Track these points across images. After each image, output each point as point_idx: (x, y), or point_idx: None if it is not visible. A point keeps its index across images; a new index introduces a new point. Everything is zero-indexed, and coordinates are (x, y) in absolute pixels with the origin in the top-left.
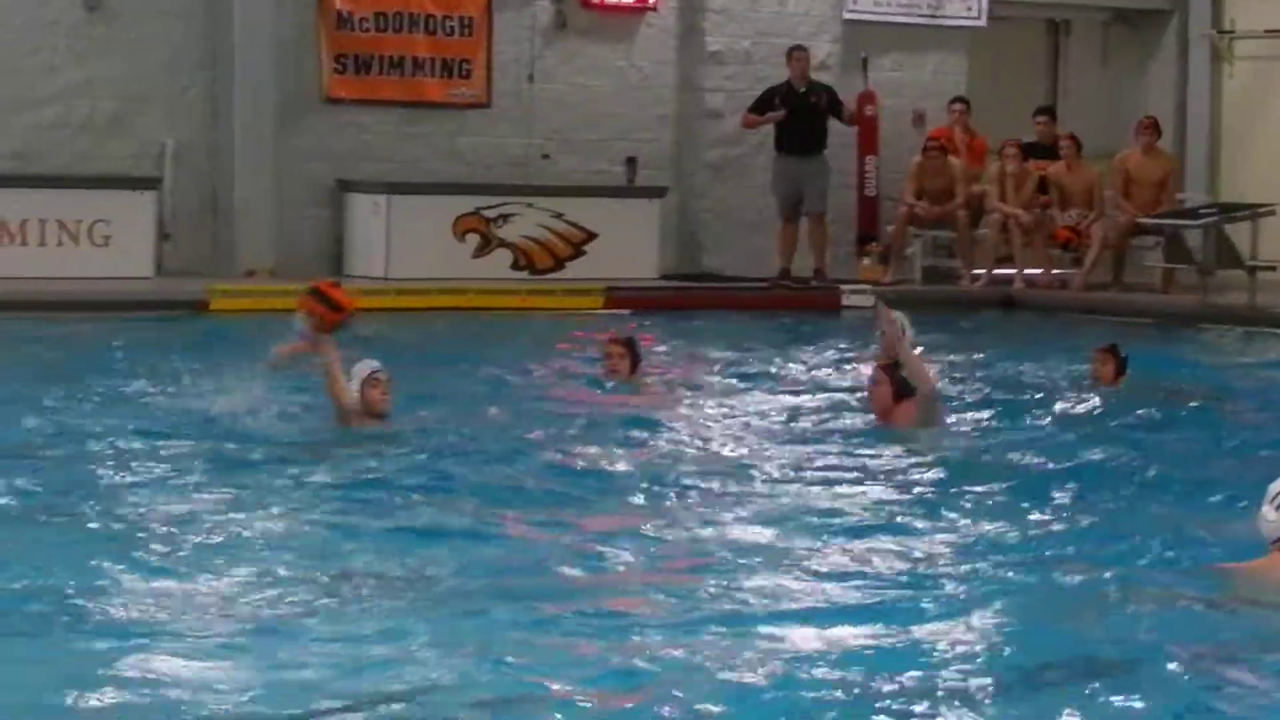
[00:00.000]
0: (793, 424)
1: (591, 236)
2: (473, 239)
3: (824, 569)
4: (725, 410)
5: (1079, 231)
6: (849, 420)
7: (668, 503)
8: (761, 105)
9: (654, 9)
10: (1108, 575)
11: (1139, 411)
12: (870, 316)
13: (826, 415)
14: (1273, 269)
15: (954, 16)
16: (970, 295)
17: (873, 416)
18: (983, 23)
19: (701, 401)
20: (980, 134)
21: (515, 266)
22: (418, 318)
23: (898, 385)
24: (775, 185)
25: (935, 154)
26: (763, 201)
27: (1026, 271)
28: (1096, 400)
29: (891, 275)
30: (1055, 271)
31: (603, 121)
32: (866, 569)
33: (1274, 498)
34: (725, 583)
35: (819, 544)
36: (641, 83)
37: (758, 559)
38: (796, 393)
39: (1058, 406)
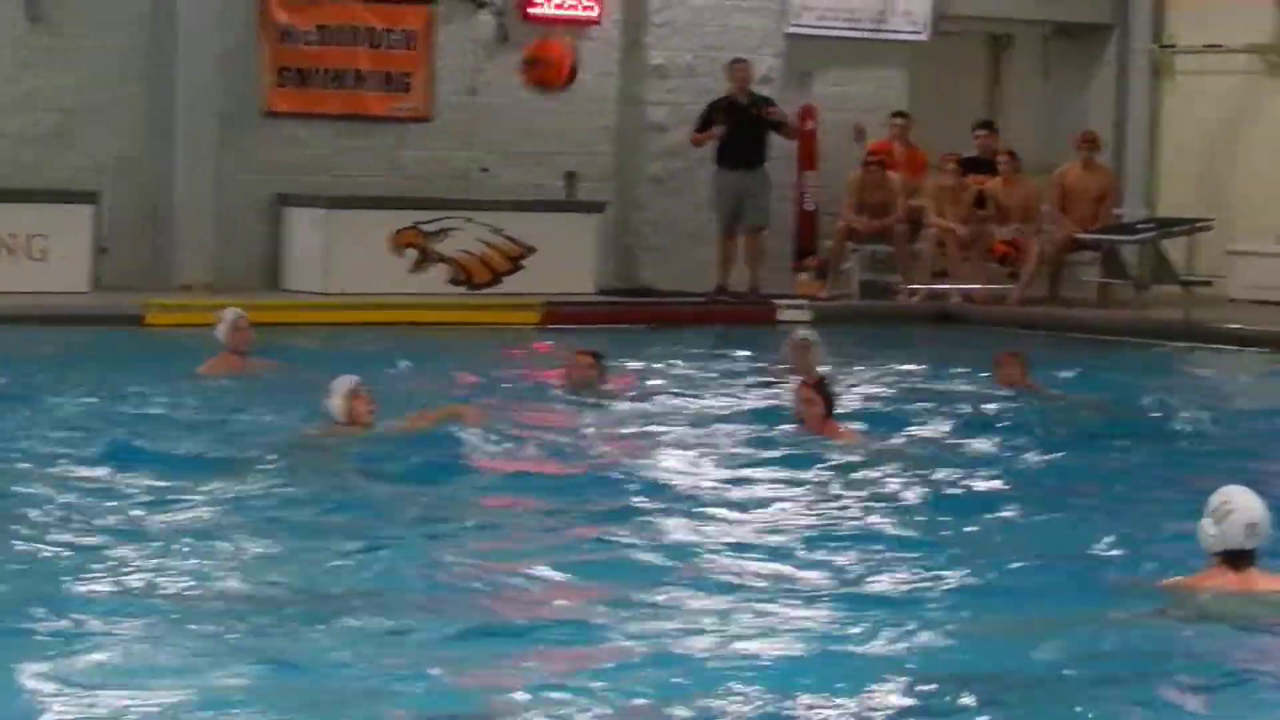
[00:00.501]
0: (731, 437)
1: (530, 251)
2: (411, 253)
3: (760, 583)
4: (670, 425)
5: (1017, 246)
6: (783, 434)
7: (632, 517)
8: (705, 121)
9: (597, 22)
10: (1046, 590)
11: (1074, 427)
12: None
13: (760, 429)
14: (1208, 284)
15: (896, 30)
16: (907, 310)
17: (804, 430)
18: (925, 37)
19: (651, 414)
20: (921, 148)
21: (453, 281)
22: (355, 332)
23: (829, 401)
24: (716, 199)
25: (874, 168)
26: (704, 215)
27: (964, 286)
28: (1032, 415)
29: (829, 290)
30: (992, 286)
31: (544, 135)
32: (804, 584)
33: (1213, 511)
34: (672, 600)
35: (755, 558)
36: (584, 96)
37: (704, 572)
38: (734, 407)
39: (993, 421)
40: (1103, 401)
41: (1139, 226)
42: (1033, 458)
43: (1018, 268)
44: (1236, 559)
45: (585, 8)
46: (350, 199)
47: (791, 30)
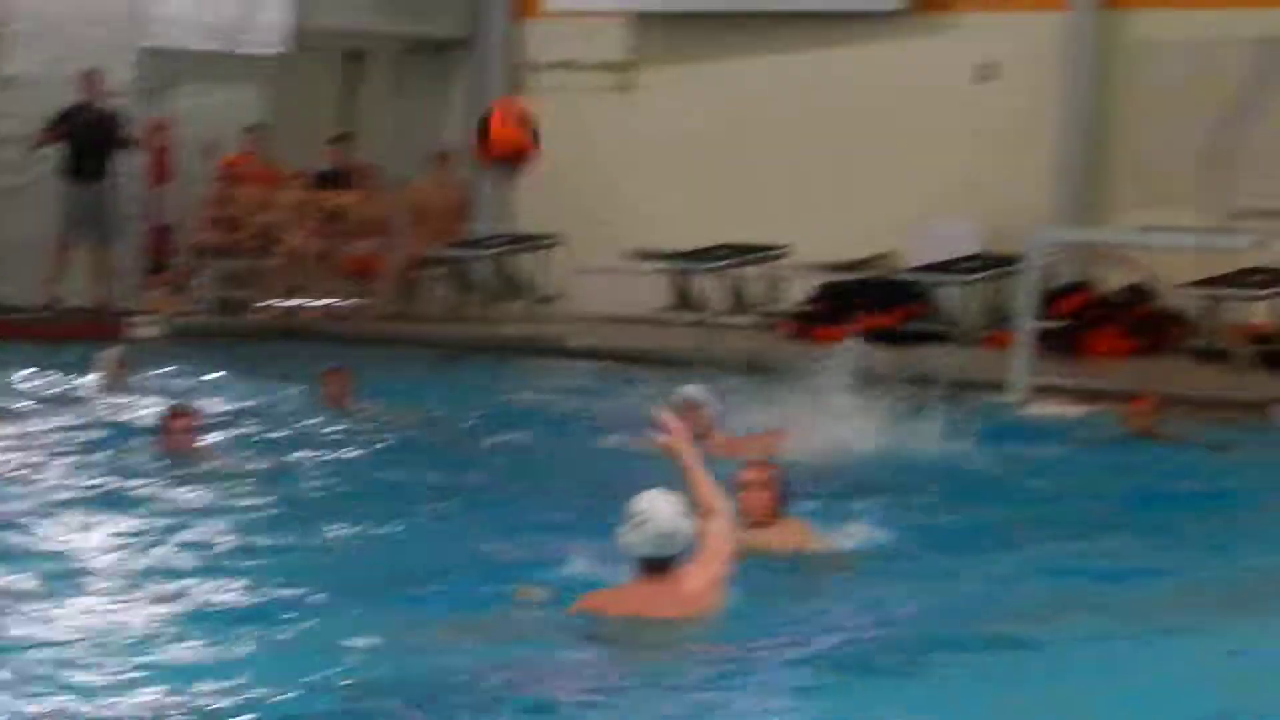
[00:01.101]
0: (81, 456)
1: None
2: None
3: (116, 602)
4: (24, 443)
5: (370, 261)
6: (136, 450)
7: None
8: (53, 128)
9: None
10: (417, 605)
11: (400, 445)
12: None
13: (112, 447)
14: (549, 301)
15: (253, 45)
16: (259, 325)
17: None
18: (282, 51)
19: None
20: (277, 163)
21: None
22: None
23: (196, 422)
24: (60, 211)
25: (227, 183)
26: (50, 229)
27: (316, 302)
28: (381, 430)
29: (181, 306)
30: (346, 302)
31: None
32: (166, 599)
33: (629, 518)
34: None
35: (108, 576)
36: None
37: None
38: (83, 424)
39: (346, 436)
40: (433, 417)
41: (487, 242)
42: (384, 471)
43: (371, 283)
44: (655, 566)
45: None
46: None
47: (147, 43)
